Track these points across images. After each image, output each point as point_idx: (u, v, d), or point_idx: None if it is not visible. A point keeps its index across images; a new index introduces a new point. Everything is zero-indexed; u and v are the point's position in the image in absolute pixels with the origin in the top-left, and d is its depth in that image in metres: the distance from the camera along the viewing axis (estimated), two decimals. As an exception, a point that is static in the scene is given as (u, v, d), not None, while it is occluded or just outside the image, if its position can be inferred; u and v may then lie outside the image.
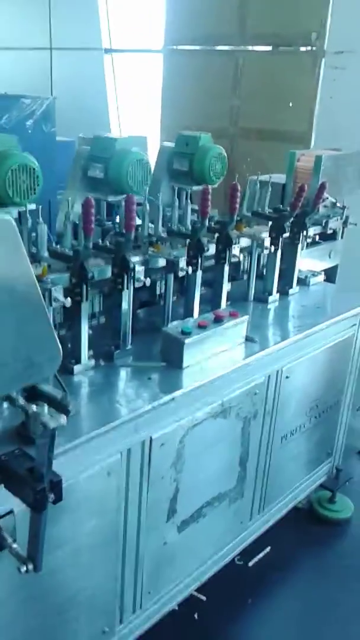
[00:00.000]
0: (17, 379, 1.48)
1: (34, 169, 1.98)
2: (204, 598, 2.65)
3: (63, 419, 1.41)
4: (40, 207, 2.05)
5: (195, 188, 2.74)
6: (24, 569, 1.49)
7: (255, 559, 2.91)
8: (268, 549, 2.96)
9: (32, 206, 2.03)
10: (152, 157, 2.60)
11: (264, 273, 2.88)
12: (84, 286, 1.91)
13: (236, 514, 2.54)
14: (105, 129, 6.43)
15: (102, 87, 6.80)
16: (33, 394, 1.56)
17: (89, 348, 2.08)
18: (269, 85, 5.06)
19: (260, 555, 2.93)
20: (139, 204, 2.19)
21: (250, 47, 5.16)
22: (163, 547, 2.18)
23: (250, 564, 2.89)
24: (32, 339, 1.48)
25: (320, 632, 2.62)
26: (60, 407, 1.50)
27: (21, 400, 1.51)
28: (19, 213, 2.06)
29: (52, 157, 3.91)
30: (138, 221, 2.28)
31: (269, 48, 5.06)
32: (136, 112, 6.91)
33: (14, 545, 1.52)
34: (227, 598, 2.70)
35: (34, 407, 1.48)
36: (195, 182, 2.72)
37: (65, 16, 6.79)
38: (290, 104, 4.94)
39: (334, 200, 3.18)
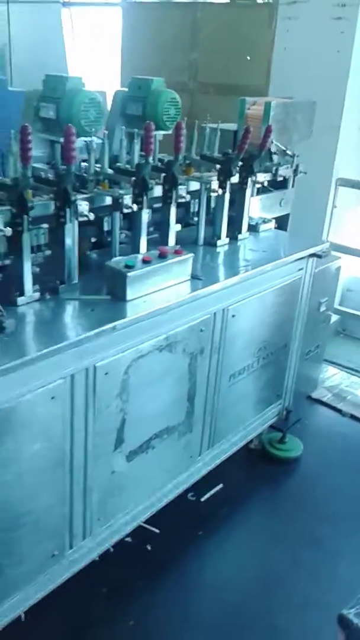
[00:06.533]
0: None
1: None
2: (157, 531, 2.75)
3: None
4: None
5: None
6: None
7: (208, 495, 3.02)
8: (220, 485, 3.07)
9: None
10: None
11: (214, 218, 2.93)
12: (25, 216, 1.92)
13: (185, 448, 2.63)
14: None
15: (61, 41, 6.64)
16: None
17: (35, 283, 2.09)
18: (227, 38, 5.01)
19: (213, 491, 3.04)
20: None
21: (208, 0, 5.10)
22: (111, 476, 2.25)
23: (203, 499, 3.00)
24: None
25: (268, 560, 2.75)
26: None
27: None
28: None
29: (2, 106, 3.84)
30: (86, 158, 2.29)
31: (227, 1, 5.00)
32: (96, 67, 6.79)
33: None
34: (179, 531, 2.81)
35: None
36: (149, 126, 2.71)
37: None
38: (249, 58, 4.92)
39: (284, 148, 3.22)
